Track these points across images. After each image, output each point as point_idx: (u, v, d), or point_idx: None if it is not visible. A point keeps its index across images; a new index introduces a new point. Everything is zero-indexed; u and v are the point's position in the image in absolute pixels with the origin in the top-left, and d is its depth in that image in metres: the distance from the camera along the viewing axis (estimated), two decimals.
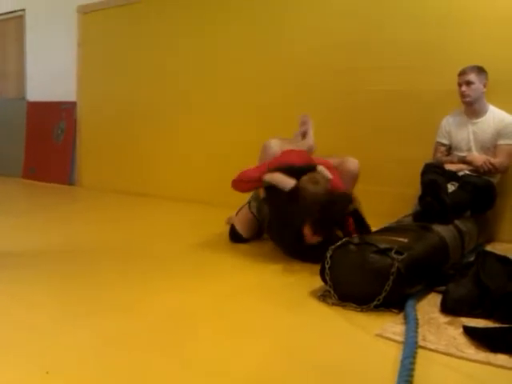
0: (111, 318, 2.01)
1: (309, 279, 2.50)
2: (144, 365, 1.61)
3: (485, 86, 3.31)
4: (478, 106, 3.35)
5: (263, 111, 4.58)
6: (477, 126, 3.38)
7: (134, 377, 1.55)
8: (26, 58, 6.89)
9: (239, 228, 3.32)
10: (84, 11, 6.06)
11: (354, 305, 2.13)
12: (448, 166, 3.29)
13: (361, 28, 4.05)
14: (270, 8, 4.59)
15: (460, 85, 3.32)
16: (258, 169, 3.15)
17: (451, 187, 3.11)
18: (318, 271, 2.28)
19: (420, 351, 1.71)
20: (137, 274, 2.63)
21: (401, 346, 1.74)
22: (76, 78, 6.21)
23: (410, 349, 1.68)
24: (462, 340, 1.81)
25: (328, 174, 3.03)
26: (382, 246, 2.18)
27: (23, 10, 6.85)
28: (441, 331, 1.89)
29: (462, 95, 3.32)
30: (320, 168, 3.04)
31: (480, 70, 3.29)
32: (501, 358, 1.66)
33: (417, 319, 1.94)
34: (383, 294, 2.08)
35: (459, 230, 2.78)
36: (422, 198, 2.93)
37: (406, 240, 2.32)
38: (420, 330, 1.87)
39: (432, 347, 1.75)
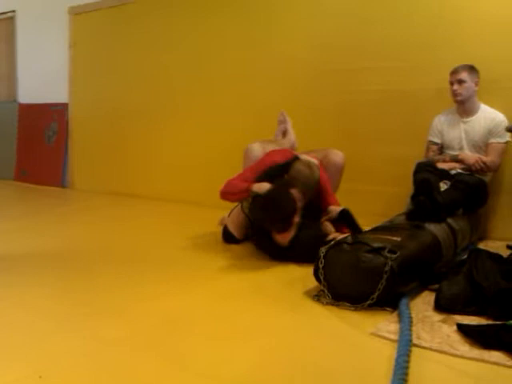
0: (106, 322, 2.00)
1: (302, 279, 2.51)
2: (140, 368, 1.61)
3: (476, 84, 3.32)
4: (469, 104, 3.37)
5: (255, 112, 4.58)
6: (468, 125, 3.39)
7: (130, 380, 1.54)
8: (17, 60, 6.85)
9: (232, 228, 3.32)
10: (75, 12, 6.03)
11: (348, 304, 2.14)
12: (440, 165, 3.30)
13: (352, 28, 4.06)
14: (262, 9, 4.59)
15: (452, 83, 3.34)
16: (243, 176, 3.14)
17: (443, 186, 3.12)
18: (312, 271, 2.29)
19: (414, 349, 1.71)
20: (131, 277, 2.62)
21: (395, 345, 1.75)
22: (67, 80, 6.19)
23: (405, 347, 1.69)
24: (455, 338, 1.82)
25: (313, 159, 3.05)
26: (375, 245, 2.18)
27: (14, 11, 6.80)
28: (435, 329, 1.90)
29: (454, 94, 3.34)
30: (304, 156, 3.06)
31: (472, 69, 3.30)
32: (494, 355, 1.67)
33: (411, 317, 1.95)
34: (377, 293, 2.08)
35: (452, 229, 2.79)
36: (414, 197, 2.94)
37: (399, 239, 2.32)
38: (414, 328, 1.88)
39: (426, 345, 1.76)
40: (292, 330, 1.95)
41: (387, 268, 2.08)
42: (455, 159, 3.36)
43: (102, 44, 5.85)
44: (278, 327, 1.98)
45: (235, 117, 4.74)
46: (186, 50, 5.10)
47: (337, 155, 3.38)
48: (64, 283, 2.52)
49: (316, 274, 2.27)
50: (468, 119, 3.40)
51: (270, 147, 3.42)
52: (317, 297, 2.25)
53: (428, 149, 3.55)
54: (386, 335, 1.85)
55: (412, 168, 3.22)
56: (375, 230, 2.63)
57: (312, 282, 2.33)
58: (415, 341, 1.78)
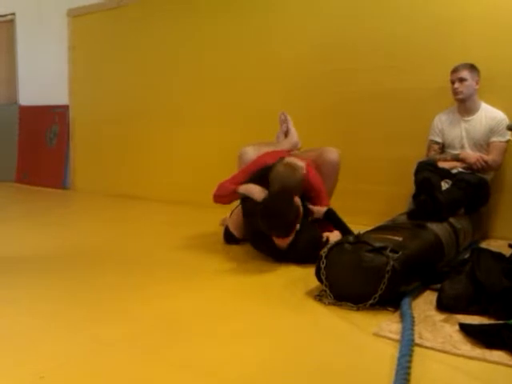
0: (107, 323, 2.00)
1: (304, 279, 2.50)
2: (141, 369, 1.61)
3: (477, 83, 3.32)
4: (470, 103, 3.36)
5: (254, 113, 4.58)
6: (469, 124, 3.39)
7: (131, 381, 1.54)
8: (18, 63, 6.86)
9: (232, 229, 3.32)
10: (74, 14, 6.04)
11: (350, 304, 2.13)
12: (441, 164, 3.30)
13: (351, 28, 4.06)
14: (259, 10, 4.59)
15: (453, 82, 3.33)
16: (234, 178, 3.16)
17: (445, 185, 3.12)
18: (314, 271, 2.28)
19: (416, 349, 1.71)
20: (132, 278, 2.62)
21: (397, 344, 1.74)
22: (68, 82, 6.19)
23: (407, 347, 1.68)
24: (458, 337, 1.81)
25: (299, 161, 3.03)
26: (377, 244, 2.18)
27: (13, 14, 6.82)
28: (437, 329, 1.89)
29: (455, 92, 3.33)
30: (288, 158, 3.05)
31: (472, 68, 3.30)
32: (496, 354, 1.67)
33: (413, 317, 1.95)
34: (379, 293, 2.08)
35: (454, 228, 2.78)
36: (416, 197, 2.94)
37: (400, 238, 2.32)
38: (416, 327, 1.88)
39: (428, 345, 1.75)
40: (294, 331, 1.95)
41: (389, 268, 2.08)
42: (456, 158, 3.36)
43: (102, 46, 5.86)
44: (280, 327, 1.98)
45: (235, 118, 4.74)
46: (185, 51, 5.10)
47: (332, 153, 3.36)
48: (65, 284, 2.52)
49: (318, 274, 2.26)
50: (469, 118, 3.39)
51: (265, 150, 3.42)
52: (319, 297, 2.25)
53: (429, 148, 3.55)
54: (388, 335, 1.84)
55: (413, 167, 3.22)
56: (377, 229, 2.63)
57: (314, 282, 2.33)
58: (417, 340, 1.77)
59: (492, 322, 1.92)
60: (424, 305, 2.16)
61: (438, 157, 3.43)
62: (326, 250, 2.28)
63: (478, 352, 1.69)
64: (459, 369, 1.60)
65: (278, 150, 3.41)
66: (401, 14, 3.83)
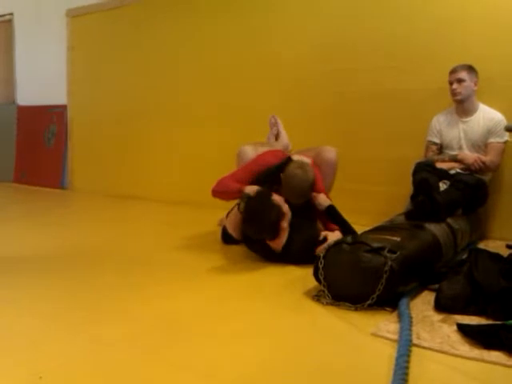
0: (106, 323, 2.00)
1: (302, 279, 2.51)
2: (140, 369, 1.61)
3: (475, 84, 3.33)
4: (468, 104, 3.37)
5: (253, 113, 4.58)
6: (467, 125, 3.39)
7: (131, 381, 1.54)
8: (16, 62, 6.86)
9: (230, 229, 3.31)
10: (73, 15, 6.04)
11: (348, 304, 2.14)
12: (439, 165, 3.30)
13: (350, 28, 4.06)
14: (258, 11, 4.59)
15: (451, 83, 3.34)
16: (235, 176, 3.15)
17: (443, 186, 3.12)
18: (312, 271, 2.29)
19: (414, 349, 1.71)
20: (131, 278, 2.62)
21: (395, 345, 1.75)
22: (66, 82, 6.19)
23: (405, 347, 1.69)
24: (455, 337, 1.81)
25: (305, 158, 3.05)
26: (375, 244, 2.18)
27: (11, 13, 6.81)
28: (435, 329, 1.90)
29: (453, 93, 3.34)
30: (296, 156, 3.05)
31: (471, 69, 3.31)
32: (494, 355, 1.67)
33: (411, 317, 1.95)
34: (377, 293, 2.08)
35: (451, 228, 2.79)
36: (414, 197, 2.94)
37: (398, 239, 2.32)
38: (414, 328, 1.88)
39: (426, 345, 1.76)
40: (292, 331, 1.95)
41: (387, 268, 2.08)
42: (454, 159, 3.36)
43: (101, 46, 5.86)
44: (278, 328, 1.98)
45: (235, 118, 4.74)
46: (184, 51, 5.10)
47: (330, 152, 3.35)
48: (65, 284, 2.51)
49: (316, 275, 2.27)
50: (467, 119, 3.40)
51: (263, 149, 3.43)
52: (317, 297, 2.25)
53: (427, 149, 3.55)
54: (386, 335, 1.85)
55: (411, 168, 3.22)
56: (375, 229, 2.63)
57: (312, 283, 2.33)
58: (415, 341, 1.78)
59: (490, 322, 1.92)
60: (422, 305, 2.16)
61: (436, 157, 3.43)
62: (324, 250, 2.28)
63: (476, 352, 1.69)
64: (457, 369, 1.60)
65: (276, 149, 3.41)
66: (400, 14, 3.84)
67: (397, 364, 1.57)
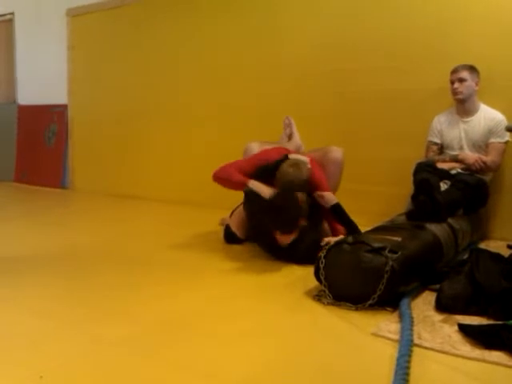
0: (107, 323, 2.00)
1: (303, 279, 2.51)
2: (141, 369, 1.61)
3: (477, 84, 3.33)
4: (469, 104, 3.37)
5: (253, 113, 4.59)
6: (468, 125, 3.39)
7: (131, 381, 1.54)
8: (16, 62, 6.86)
9: (235, 228, 3.32)
10: (73, 14, 6.04)
11: (349, 304, 2.14)
12: (440, 165, 3.30)
13: (351, 28, 4.06)
14: (259, 10, 4.59)
15: (452, 82, 3.34)
16: (238, 165, 3.16)
17: (444, 186, 3.12)
18: (313, 271, 2.28)
19: (415, 349, 1.71)
20: (132, 278, 2.62)
21: (396, 345, 1.75)
22: (67, 81, 6.19)
23: (406, 347, 1.69)
24: (456, 337, 1.81)
25: (304, 158, 3.07)
26: (376, 245, 2.18)
27: (12, 13, 6.81)
28: (436, 329, 1.90)
29: (455, 92, 3.34)
30: (293, 155, 3.06)
31: (472, 69, 3.32)
32: (495, 355, 1.67)
33: (412, 317, 1.95)
34: (378, 293, 2.08)
35: (452, 228, 2.79)
36: (414, 197, 2.94)
37: (399, 239, 2.32)
38: (415, 328, 1.88)
39: (427, 345, 1.76)
40: (293, 331, 1.95)
41: (388, 268, 2.08)
42: (455, 159, 3.36)
43: (101, 46, 5.86)
44: (279, 327, 1.98)
45: (236, 118, 4.74)
46: (185, 51, 5.10)
47: (336, 152, 3.38)
48: (65, 284, 2.52)
49: (317, 275, 2.27)
50: (468, 119, 3.40)
51: (269, 148, 3.44)
52: (318, 297, 2.25)
53: (428, 149, 3.55)
54: (387, 335, 1.85)
55: (412, 168, 3.22)
56: (376, 229, 2.63)
57: (313, 282, 2.33)
58: (416, 341, 1.78)
59: (491, 322, 1.92)
60: (423, 305, 2.16)
61: (436, 158, 3.43)
62: (324, 250, 2.28)
63: (477, 352, 1.69)
64: (458, 369, 1.60)
65: (280, 147, 3.41)
66: (401, 14, 3.83)
67: (398, 364, 1.57)
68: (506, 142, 3.33)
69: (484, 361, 1.65)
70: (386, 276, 2.07)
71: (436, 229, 2.63)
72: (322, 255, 2.26)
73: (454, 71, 3.34)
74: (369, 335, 1.87)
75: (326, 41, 4.18)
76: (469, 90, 3.31)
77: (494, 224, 3.49)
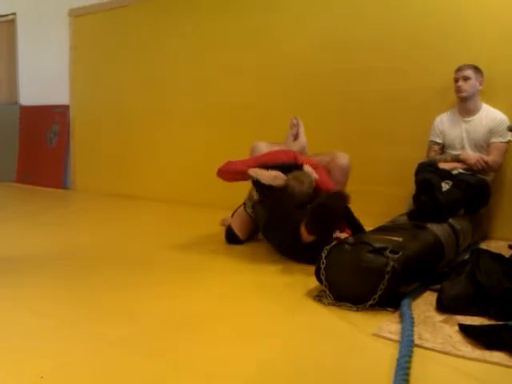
0: (108, 323, 2.00)
1: (304, 280, 2.50)
2: (142, 368, 1.61)
3: (480, 84, 3.34)
4: (472, 103, 3.37)
5: (254, 113, 4.58)
6: (469, 124, 3.39)
7: (132, 381, 1.54)
8: (18, 62, 6.87)
9: (236, 229, 3.32)
10: (75, 14, 6.04)
11: (350, 304, 2.13)
12: (442, 165, 3.30)
13: (353, 28, 4.05)
14: (256, 12, 4.59)
15: (456, 80, 3.35)
16: (244, 162, 3.18)
17: (445, 186, 3.12)
18: (314, 271, 2.28)
19: (416, 350, 1.71)
20: (133, 278, 2.62)
21: (397, 345, 1.74)
22: (69, 82, 6.20)
23: (406, 347, 1.68)
24: (457, 338, 1.81)
25: (314, 173, 3.07)
26: (377, 245, 2.18)
27: (14, 13, 6.82)
28: (436, 329, 1.89)
29: (458, 90, 3.34)
30: (306, 167, 3.07)
31: (477, 69, 3.33)
32: (496, 356, 1.67)
33: (412, 318, 1.95)
34: (378, 293, 2.08)
35: (454, 229, 2.78)
36: (416, 197, 2.94)
37: (400, 239, 2.32)
38: (416, 328, 1.88)
39: (428, 346, 1.75)
40: (293, 331, 1.95)
41: (389, 268, 2.07)
42: (456, 159, 3.36)
43: (103, 46, 5.86)
44: (280, 328, 1.98)
45: (234, 118, 4.74)
46: (186, 51, 5.10)
47: (343, 158, 3.42)
48: (65, 284, 2.52)
49: (317, 275, 2.26)
50: (469, 118, 3.39)
51: (276, 148, 3.45)
52: (318, 297, 2.25)
53: (429, 149, 3.55)
54: (388, 335, 1.84)
55: (414, 168, 3.21)
56: (377, 230, 2.63)
57: (313, 283, 2.33)
58: (417, 341, 1.77)
59: (492, 322, 1.92)
60: (424, 305, 2.16)
61: (438, 157, 3.43)
62: (325, 250, 2.28)
63: (478, 353, 1.69)
64: (459, 370, 1.60)
65: (289, 150, 3.41)
66: (401, 15, 3.83)
67: (398, 364, 1.57)
68: (508, 142, 3.32)
69: (485, 361, 1.64)
70: (386, 276, 2.07)
71: (437, 229, 2.63)
72: (323, 255, 2.26)
73: (459, 69, 3.34)
74: (369, 336, 1.86)
75: (326, 41, 4.17)
76: (472, 88, 3.32)
77: (495, 224, 3.48)
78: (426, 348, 1.74)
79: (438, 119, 3.54)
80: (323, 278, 2.23)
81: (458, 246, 2.79)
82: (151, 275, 2.68)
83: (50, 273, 2.69)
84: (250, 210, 3.26)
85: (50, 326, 1.96)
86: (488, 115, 3.35)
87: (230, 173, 3.14)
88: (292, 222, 2.82)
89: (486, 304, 2.04)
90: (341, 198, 2.80)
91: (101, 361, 1.66)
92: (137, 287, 2.46)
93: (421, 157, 3.47)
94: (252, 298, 2.33)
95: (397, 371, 1.53)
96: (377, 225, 2.79)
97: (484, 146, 3.35)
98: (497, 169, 3.36)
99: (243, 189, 3.39)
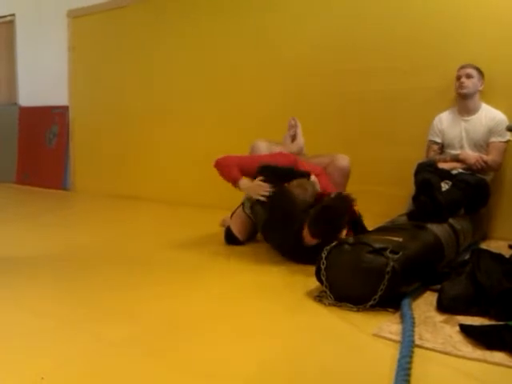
0: (108, 323, 1.99)
1: (304, 280, 2.50)
2: (142, 369, 1.60)
3: (481, 84, 3.37)
4: (471, 102, 3.38)
5: (254, 114, 4.59)
6: (469, 124, 3.40)
7: (132, 381, 1.54)
8: (17, 63, 6.87)
9: (235, 230, 3.32)
10: (74, 15, 6.05)
11: (350, 305, 2.13)
12: (441, 165, 3.30)
13: (353, 28, 4.06)
14: (256, 12, 4.59)
15: (459, 77, 3.37)
16: (242, 161, 3.20)
17: (445, 186, 3.12)
18: (314, 272, 2.28)
19: (417, 350, 1.71)
20: (133, 278, 2.62)
21: (397, 345, 1.74)
22: (68, 82, 6.20)
23: (407, 348, 1.68)
24: (458, 338, 1.81)
25: (317, 185, 3.08)
26: (377, 245, 2.18)
27: (13, 14, 6.82)
28: (437, 330, 1.89)
29: (461, 86, 3.35)
30: (313, 178, 3.08)
31: (479, 70, 3.38)
32: (497, 356, 1.67)
33: (413, 318, 1.94)
34: (379, 294, 2.08)
35: (453, 229, 2.78)
36: (415, 198, 2.94)
37: (400, 239, 2.32)
38: (416, 328, 1.87)
39: (429, 346, 1.75)
40: (293, 331, 1.95)
41: (389, 268, 2.07)
42: (456, 159, 3.36)
43: (102, 47, 5.87)
44: (280, 328, 1.98)
45: (234, 120, 4.74)
46: (185, 52, 5.11)
47: (343, 159, 3.43)
48: (65, 284, 2.52)
49: (318, 275, 2.26)
50: (469, 118, 3.40)
51: (276, 149, 3.47)
52: (319, 298, 2.25)
53: (429, 148, 3.55)
54: (389, 336, 1.84)
55: (413, 168, 3.21)
56: (377, 230, 2.63)
57: (313, 283, 2.33)
58: (418, 341, 1.77)
59: (492, 323, 1.92)
60: (424, 306, 2.15)
61: (437, 157, 3.43)
62: (325, 251, 2.28)
63: (479, 353, 1.69)
64: (460, 370, 1.60)
65: (290, 154, 3.40)
66: (401, 15, 3.83)
67: (399, 365, 1.57)
68: (507, 142, 3.33)
69: (485, 361, 1.64)
70: (387, 277, 2.07)
71: (437, 229, 2.63)
72: (323, 256, 2.25)
73: (462, 67, 3.38)
74: (370, 336, 1.86)
75: (326, 41, 4.18)
76: (474, 87, 3.35)
77: (495, 224, 3.48)
78: (427, 348, 1.74)
79: (437, 118, 3.54)
80: (324, 278, 2.23)
81: (459, 246, 2.79)
82: (151, 275, 2.68)
83: (50, 273, 2.69)
84: (248, 211, 3.26)
85: (50, 326, 1.95)
86: (487, 115, 3.35)
87: (225, 176, 3.16)
88: (294, 224, 2.81)
89: (486, 304, 2.04)
90: (345, 200, 2.78)
91: (101, 361, 1.66)
92: (137, 287, 2.46)
93: (421, 157, 3.47)
94: (252, 298, 2.33)
95: (398, 372, 1.53)
96: (377, 225, 2.79)
97: (483, 145, 3.36)
98: (496, 168, 3.36)
99: None
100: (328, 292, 2.21)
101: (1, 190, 6.34)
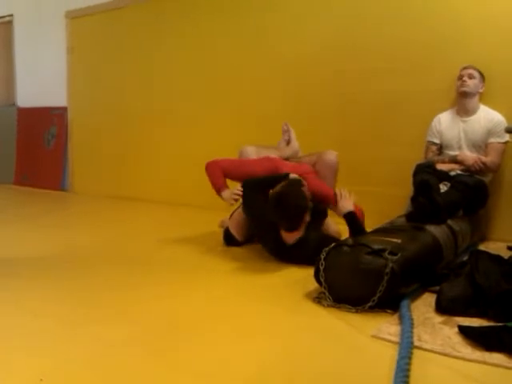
0: (107, 324, 2.00)
1: (303, 281, 2.50)
2: (142, 369, 1.61)
3: (482, 87, 3.39)
4: (471, 102, 3.39)
5: (253, 115, 4.59)
6: (467, 124, 3.40)
7: (132, 382, 1.54)
8: (16, 64, 6.86)
9: (234, 231, 3.32)
10: (72, 16, 6.05)
11: (349, 306, 2.13)
12: (440, 166, 3.30)
13: (353, 29, 4.05)
14: (255, 12, 4.59)
15: (461, 76, 3.38)
16: (227, 166, 3.31)
17: (443, 187, 3.12)
18: (313, 273, 2.28)
19: (416, 351, 1.71)
20: (132, 279, 2.63)
21: (396, 347, 1.74)
22: (66, 83, 6.19)
23: (406, 349, 1.69)
24: (457, 339, 1.81)
25: (295, 176, 3.10)
26: (376, 246, 2.18)
27: (11, 15, 6.81)
28: (436, 331, 1.90)
29: (462, 84, 3.36)
30: (292, 175, 3.10)
31: (481, 72, 3.40)
32: (496, 357, 1.67)
33: (412, 319, 1.95)
34: (378, 295, 2.08)
35: (452, 230, 2.78)
36: (414, 199, 2.94)
37: (399, 240, 2.32)
38: (415, 330, 1.88)
39: (428, 347, 1.76)
40: (292, 332, 1.95)
41: (388, 270, 2.08)
42: (454, 160, 3.36)
43: (100, 47, 5.86)
44: (279, 329, 1.98)
45: (234, 120, 4.74)
46: (185, 52, 5.10)
47: (331, 154, 3.46)
48: (65, 285, 2.52)
49: (317, 277, 2.26)
50: (467, 118, 3.41)
51: (265, 153, 3.48)
52: (317, 299, 2.25)
53: (427, 149, 3.56)
54: (388, 337, 1.85)
55: (412, 169, 3.22)
56: (375, 231, 2.63)
57: (312, 284, 2.33)
58: (416, 343, 1.77)
59: (491, 324, 1.92)
60: (423, 307, 2.16)
61: (436, 159, 3.43)
62: (324, 252, 2.28)
63: (478, 354, 1.69)
64: (458, 371, 1.60)
65: (276, 158, 3.42)
66: (401, 16, 3.83)
67: (398, 366, 1.57)
68: (506, 143, 3.33)
69: (484, 363, 1.65)
70: (385, 278, 2.07)
71: (435, 230, 2.63)
72: (322, 257, 2.26)
73: (465, 68, 3.40)
74: (369, 337, 1.87)
75: (326, 42, 4.18)
76: (475, 87, 3.36)
77: (494, 225, 3.48)
78: (426, 349, 1.74)
79: (435, 119, 3.55)
80: (322, 279, 2.23)
81: (457, 247, 2.79)
82: (151, 275, 2.68)
83: (49, 274, 2.69)
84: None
85: (50, 327, 1.96)
86: (486, 116, 3.36)
87: (212, 181, 3.29)
88: (273, 230, 2.85)
89: (484, 305, 2.05)
90: (293, 184, 2.87)
91: (101, 361, 1.66)
92: (137, 287, 2.47)
93: (419, 158, 3.48)
94: (252, 298, 2.34)
95: (397, 373, 1.53)
96: (375, 226, 2.79)
97: (482, 146, 3.36)
98: (495, 169, 3.36)
99: None
100: (327, 293, 2.22)
101: (0, 192, 6.33)
